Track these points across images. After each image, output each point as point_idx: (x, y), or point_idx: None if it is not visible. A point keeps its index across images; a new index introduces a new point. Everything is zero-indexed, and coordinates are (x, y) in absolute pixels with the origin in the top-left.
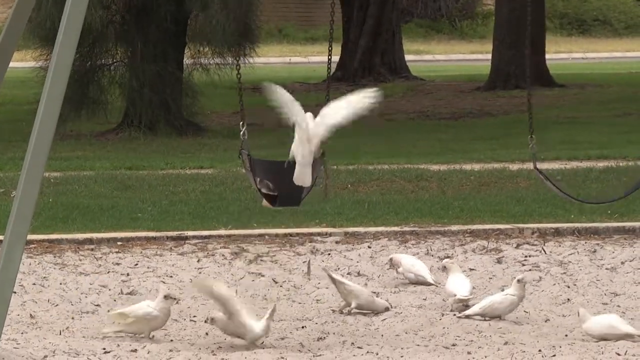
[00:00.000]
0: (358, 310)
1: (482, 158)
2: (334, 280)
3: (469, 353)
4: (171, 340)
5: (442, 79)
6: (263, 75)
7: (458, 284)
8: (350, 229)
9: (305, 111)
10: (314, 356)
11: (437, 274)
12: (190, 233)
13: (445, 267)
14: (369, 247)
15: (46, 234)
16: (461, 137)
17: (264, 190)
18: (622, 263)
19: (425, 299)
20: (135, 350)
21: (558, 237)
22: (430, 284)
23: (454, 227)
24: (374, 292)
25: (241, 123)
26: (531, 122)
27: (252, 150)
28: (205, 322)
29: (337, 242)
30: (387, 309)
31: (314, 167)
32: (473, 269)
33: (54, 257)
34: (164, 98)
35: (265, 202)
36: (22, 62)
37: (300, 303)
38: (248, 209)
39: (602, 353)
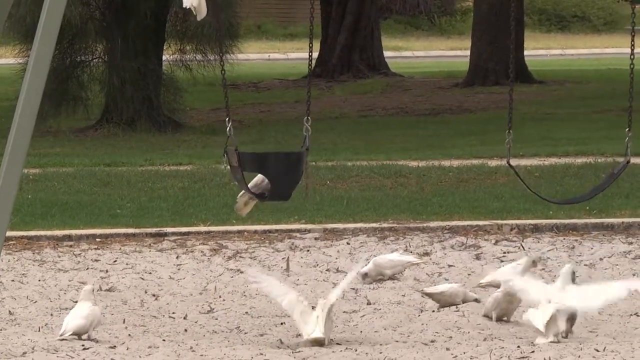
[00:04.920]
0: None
1: (461, 154)
2: (430, 296)
3: (447, 349)
4: (148, 338)
5: (421, 76)
6: (242, 72)
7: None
8: (329, 226)
9: (285, 109)
10: (292, 352)
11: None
12: (169, 229)
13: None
14: (348, 243)
15: (25, 230)
16: (440, 133)
17: (253, 190)
18: (601, 259)
19: (404, 295)
20: (114, 347)
21: (537, 233)
22: (417, 263)
23: (433, 224)
24: (353, 289)
25: (227, 119)
26: (510, 117)
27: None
28: None
29: (316, 239)
30: (477, 301)
31: (298, 165)
32: (452, 265)
33: (33, 253)
34: (145, 94)
35: (239, 206)
36: (1, 58)
37: None
38: (227, 205)
39: (581, 349)
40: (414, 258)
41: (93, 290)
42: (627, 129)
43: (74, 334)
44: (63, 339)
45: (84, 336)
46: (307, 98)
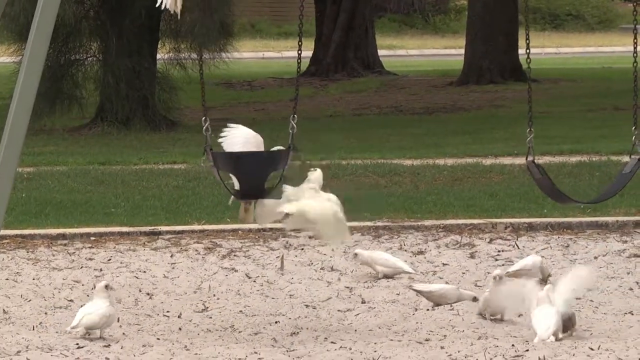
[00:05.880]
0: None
1: (455, 153)
2: (419, 293)
3: (442, 348)
4: (142, 337)
5: (415, 74)
6: (236, 71)
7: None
8: None
9: (280, 108)
10: (287, 351)
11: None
12: (163, 228)
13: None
14: (342, 241)
15: (19, 229)
16: (434, 132)
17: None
18: (595, 258)
19: (398, 294)
20: (109, 346)
21: (531, 232)
22: (409, 273)
23: (427, 222)
24: (348, 287)
25: (203, 119)
26: (530, 115)
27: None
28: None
29: (310, 237)
30: (475, 299)
31: (283, 159)
32: (446, 264)
33: (27, 252)
34: (140, 93)
35: (240, 216)
36: None
37: (273, 298)
38: (221, 203)
39: (575, 348)
40: (410, 269)
41: (107, 287)
42: (633, 127)
43: (85, 329)
44: (68, 333)
45: (94, 334)
46: (295, 96)
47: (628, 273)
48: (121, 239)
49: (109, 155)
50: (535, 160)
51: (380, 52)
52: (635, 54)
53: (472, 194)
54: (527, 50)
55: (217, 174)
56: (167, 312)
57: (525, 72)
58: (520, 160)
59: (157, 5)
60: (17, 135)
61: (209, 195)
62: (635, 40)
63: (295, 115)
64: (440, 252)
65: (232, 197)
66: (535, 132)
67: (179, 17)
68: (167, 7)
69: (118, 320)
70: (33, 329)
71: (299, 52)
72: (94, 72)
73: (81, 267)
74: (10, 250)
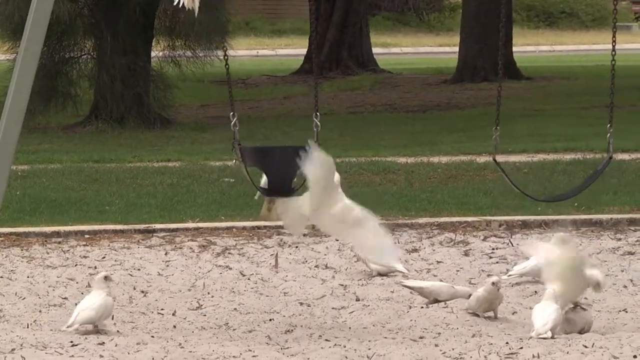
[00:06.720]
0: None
1: (450, 150)
2: (411, 288)
3: (436, 345)
4: (137, 334)
5: (409, 72)
6: (230, 69)
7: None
8: None
9: (274, 106)
10: (281, 349)
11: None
12: (157, 226)
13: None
14: (337, 239)
15: (13, 227)
16: (429, 129)
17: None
18: (589, 255)
19: (392, 292)
20: (103, 343)
21: (525, 229)
22: (402, 272)
23: (422, 220)
24: (342, 285)
25: (231, 114)
26: (498, 113)
27: (221, 144)
28: None
29: (304, 235)
30: (470, 295)
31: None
32: (440, 262)
33: (22, 250)
34: (135, 91)
35: (263, 214)
36: None
37: (267, 296)
38: (215, 201)
39: (570, 345)
40: (403, 268)
41: (106, 278)
42: (608, 125)
43: (83, 325)
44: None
45: (92, 327)
46: (315, 93)
47: (622, 271)
48: (115, 236)
49: (104, 153)
50: (530, 158)
51: (375, 50)
52: (613, 52)
53: (467, 191)
54: (500, 53)
55: (245, 169)
56: (162, 309)
57: (519, 69)
58: (515, 158)
59: (174, 4)
60: (11, 133)
61: (203, 193)
62: (613, 39)
63: (318, 113)
64: (434, 250)
65: (258, 192)
66: (529, 129)
67: (196, 14)
68: (184, 4)
69: (113, 318)
70: (27, 327)
71: (313, 48)
72: (89, 70)
73: (75, 265)
74: (4, 248)
